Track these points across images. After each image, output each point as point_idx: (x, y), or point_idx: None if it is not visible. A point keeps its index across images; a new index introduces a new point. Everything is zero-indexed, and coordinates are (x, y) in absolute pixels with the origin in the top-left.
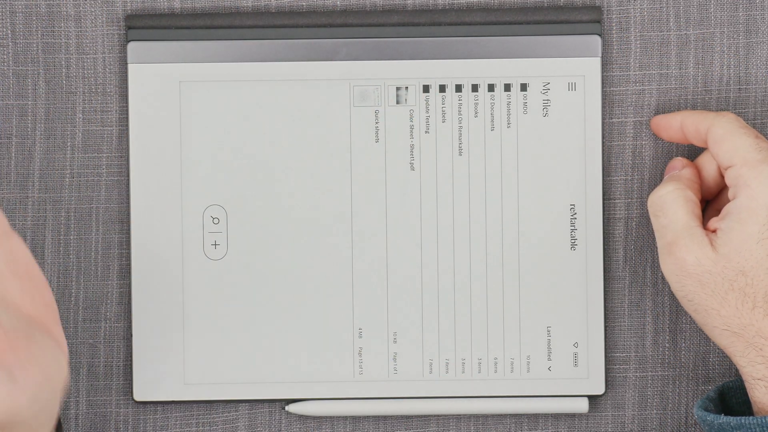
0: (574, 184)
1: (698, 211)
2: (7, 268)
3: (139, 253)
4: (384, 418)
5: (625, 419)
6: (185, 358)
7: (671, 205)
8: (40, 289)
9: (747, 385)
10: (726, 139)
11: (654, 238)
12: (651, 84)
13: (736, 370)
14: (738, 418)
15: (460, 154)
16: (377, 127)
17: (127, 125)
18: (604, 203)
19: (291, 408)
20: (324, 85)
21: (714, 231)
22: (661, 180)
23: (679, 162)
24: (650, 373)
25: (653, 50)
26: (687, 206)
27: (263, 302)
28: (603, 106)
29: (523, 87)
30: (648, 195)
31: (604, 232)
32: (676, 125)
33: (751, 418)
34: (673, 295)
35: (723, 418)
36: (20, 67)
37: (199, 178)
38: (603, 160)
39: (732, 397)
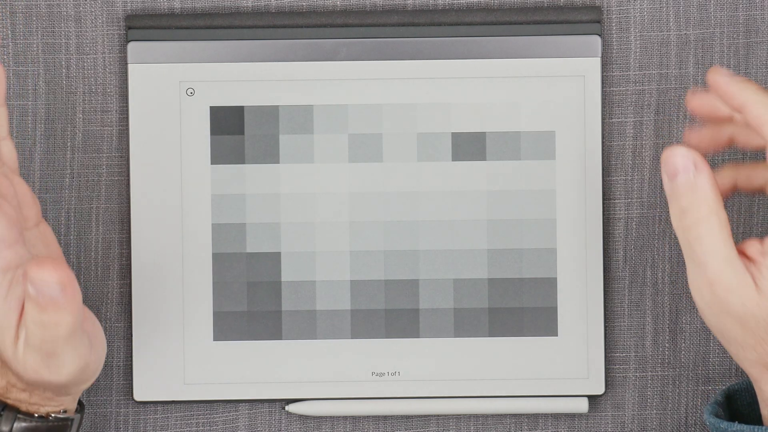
0: (574, 184)
1: (729, 229)
2: (44, 250)
3: (139, 253)
4: (384, 418)
5: (625, 419)
6: (185, 358)
7: (707, 236)
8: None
9: (762, 403)
10: None
11: (654, 239)
12: (651, 84)
13: (737, 370)
14: (752, 427)
15: (460, 154)
16: (377, 126)
17: (127, 125)
18: (604, 203)
19: (291, 408)
20: (324, 85)
21: (753, 260)
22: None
23: (687, 160)
24: (650, 373)
25: (653, 50)
26: (723, 233)
27: (263, 302)
28: (603, 106)
29: (523, 87)
30: (648, 194)
31: (604, 232)
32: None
33: (765, 429)
34: (673, 295)
35: (737, 426)
36: (20, 67)
37: (199, 178)
38: (603, 160)
39: (738, 399)
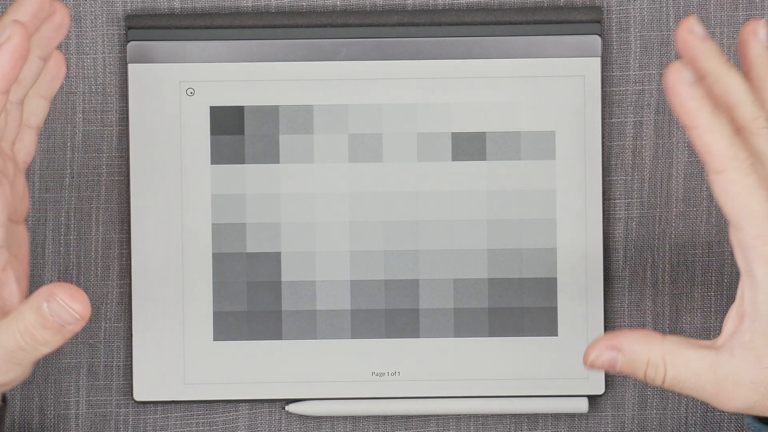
0: (574, 184)
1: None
2: (16, 251)
3: (139, 253)
4: (384, 418)
5: (625, 419)
6: (185, 358)
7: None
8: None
9: None
10: (737, 197)
11: (654, 239)
12: (651, 84)
13: None
14: None
15: (460, 154)
16: (377, 126)
17: (127, 125)
18: (604, 203)
19: (291, 408)
20: (324, 85)
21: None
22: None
23: (605, 357)
24: None
25: (653, 50)
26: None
27: (263, 302)
28: (603, 106)
29: (523, 87)
30: (648, 194)
31: (604, 232)
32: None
33: None
34: (673, 295)
35: None
36: None
37: (199, 178)
38: (603, 160)
39: None
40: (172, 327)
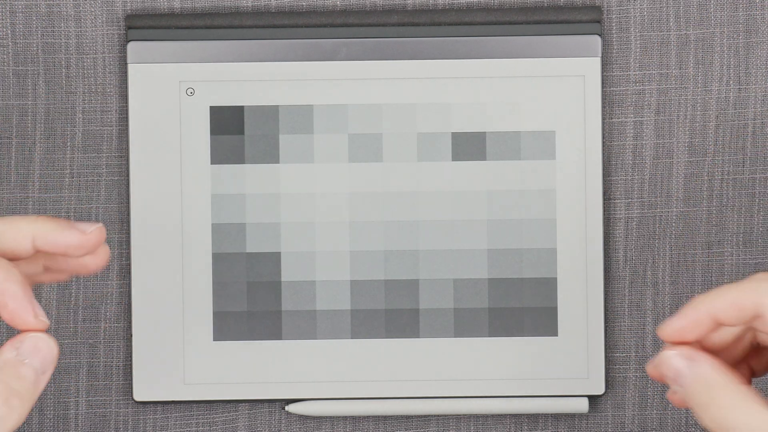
0: (574, 184)
1: (750, 391)
2: None
3: (139, 253)
4: (384, 418)
5: (625, 419)
6: (185, 358)
7: (744, 417)
8: None
9: None
10: None
11: (654, 239)
12: (651, 84)
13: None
14: None
15: (460, 154)
16: (377, 126)
17: (127, 125)
18: (604, 203)
19: (291, 408)
20: (324, 85)
21: None
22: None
23: (681, 359)
24: None
25: (653, 50)
26: (753, 401)
27: (263, 302)
28: (603, 106)
29: (523, 87)
30: (648, 194)
31: (604, 232)
32: (704, 318)
33: None
34: (673, 295)
35: None
36: (20, 67)
37: (199, 178)
38: (603, 160)
39: None
40: (172, 327)
